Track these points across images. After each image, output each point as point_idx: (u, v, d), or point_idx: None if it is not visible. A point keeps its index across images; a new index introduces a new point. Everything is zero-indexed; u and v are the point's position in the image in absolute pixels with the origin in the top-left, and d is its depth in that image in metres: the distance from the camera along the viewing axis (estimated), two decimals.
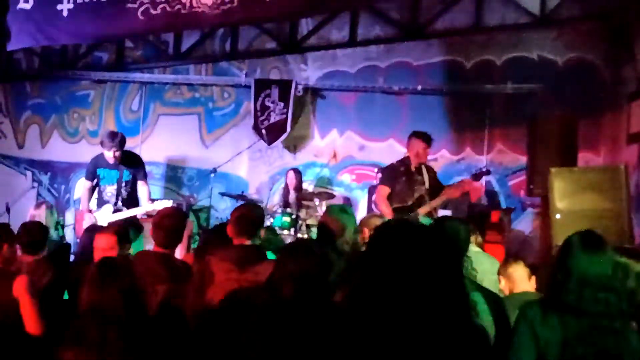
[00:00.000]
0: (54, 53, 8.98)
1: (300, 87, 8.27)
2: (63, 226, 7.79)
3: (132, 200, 6.40)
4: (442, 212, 6.05)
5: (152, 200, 6.43)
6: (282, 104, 8.21)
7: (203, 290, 3.27)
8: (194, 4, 6.07)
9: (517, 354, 2.56)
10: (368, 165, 8.24)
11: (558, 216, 5.18)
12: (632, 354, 2.47)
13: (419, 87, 8.00)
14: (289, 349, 2.38)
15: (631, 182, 5.60)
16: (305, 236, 6.55)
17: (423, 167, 6.12)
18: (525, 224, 7.66)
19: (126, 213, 6.22)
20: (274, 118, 8.23)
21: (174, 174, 8.88)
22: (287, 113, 8.19)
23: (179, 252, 5.03)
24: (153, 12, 6.20)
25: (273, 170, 8.53)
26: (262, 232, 3.64)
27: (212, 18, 6.13)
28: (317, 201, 7.22)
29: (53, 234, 6.91)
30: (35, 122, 9.36)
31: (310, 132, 8.49)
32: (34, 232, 4.12)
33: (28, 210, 7.38)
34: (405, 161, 6.10)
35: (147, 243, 5.24)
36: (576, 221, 4.64)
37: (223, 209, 8.29)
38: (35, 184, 9.32)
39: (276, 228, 6.62)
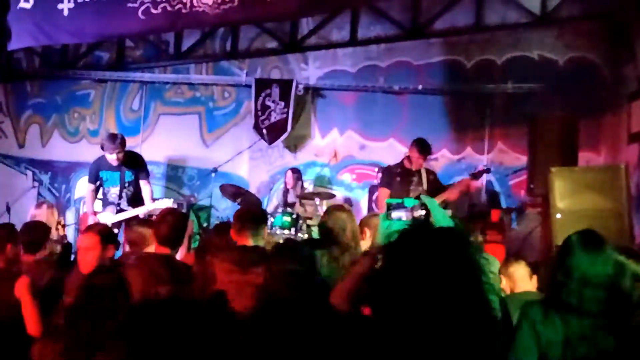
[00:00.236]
0: (54, 52, 8.97)
1: (300, 87, 8.26)
2: (64, 226, 7.78)
3: (136, 200, 6.42)
4: None
5: (154, 200, 6.44)
6: (282, 104, 8.21)
7: (205, 292, 3.28)
8: (195, 4, 6.06)
9: (518, 354, 2.55)
10: (368, 164, 8.23)
11: (558, 216, 5.18)
12: (632, 353, 2.47)
13: (420, 87, 8.00)
14: (289, 349, 2.38)
15: (632, 182, 5.61)
16: (306, 236, 6.55)
17: (422, 170, 6.24)
18: (525, 223, 7.65)
19: (129, 213, 6.24)
20: (274, 117, 8.22)
21: (174, 174, 8.87)
22: (287, 112, 8.19)
23: (180, 252, 5.03)
24: (154, 11, 6.19)
25: (274, 170, 8.53)
26: (265, 233, 3.65)
27: (212, 17, 6.12)
28: (317, 201, 7.22)
29: (54, 233, 6.91)
30: (36, 121, 9.34)
31: (310, 132, 8.48)
32: (36, 232, 4.12)
33: (28, 210, 7.35)
34: (402, 162, 6.24)
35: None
36: (576, 221, 4.62)
37: (223, 208, 8.29)
38: (36, 184, 9.31)
39: (277, 227, 6.63)
